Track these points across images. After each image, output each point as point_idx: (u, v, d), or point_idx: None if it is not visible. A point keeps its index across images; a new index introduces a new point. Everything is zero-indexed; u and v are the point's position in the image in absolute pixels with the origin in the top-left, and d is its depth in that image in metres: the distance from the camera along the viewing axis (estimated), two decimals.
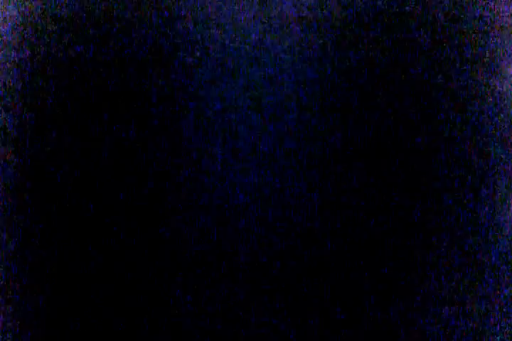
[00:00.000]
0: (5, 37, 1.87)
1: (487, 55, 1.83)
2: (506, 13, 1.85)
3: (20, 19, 1.86)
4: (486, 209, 1.81)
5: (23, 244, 1.83)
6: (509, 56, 1.84)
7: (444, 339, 1.79)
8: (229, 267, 1.80)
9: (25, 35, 1.86)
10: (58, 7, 1.85)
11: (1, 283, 1.83)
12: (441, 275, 1.80)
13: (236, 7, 1.83)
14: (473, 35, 1.83)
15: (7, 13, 1.87)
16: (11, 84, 1.86)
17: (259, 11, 1.83)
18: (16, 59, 1.86)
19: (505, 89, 1.83)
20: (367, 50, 1.82)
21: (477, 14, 1.84)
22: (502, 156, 1.82)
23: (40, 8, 1.86)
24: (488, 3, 1.84)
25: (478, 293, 1.80)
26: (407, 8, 1.83)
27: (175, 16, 1.84)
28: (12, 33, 1.87)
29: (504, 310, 1.80)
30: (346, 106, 1.82)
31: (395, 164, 1.81)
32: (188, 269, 1.80)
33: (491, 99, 1.83)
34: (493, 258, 1.81)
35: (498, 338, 1.80)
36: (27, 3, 1.87)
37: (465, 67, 1.83)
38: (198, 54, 1.82)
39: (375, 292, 1.79)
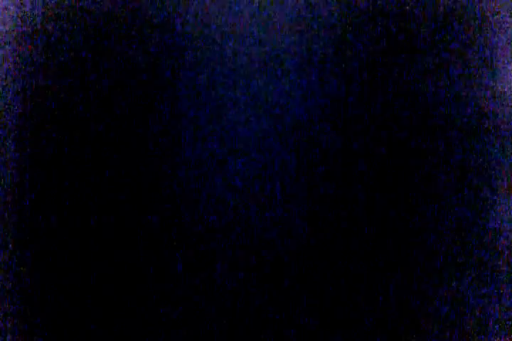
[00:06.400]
0: (5, 37, 1.87)
1: (487, 55, 1.84)
2: (506, 13, 1.85)
3: (20, 19, 1.86)
4: (486, 209, 1.81)
5: (23, 244, 1.83)
6: (509, 56, 1.84)
7: (444, 339, 1.79)
8: (228, 269, 1.80)
9: (25, 35, 1.86)
10: (58, 7, 1.85)
11: (1, 283, 1.83)
12: (441, 275, 1.80)
13: (236, 7, 1.83)
14: (473, 35, 1.83)
15: (7, 12, 1.87)
16: (11, 84, 1.86)
17: (259, 10, 1.83)
18: (16, 59, 1.86)
19: (505, 89, 1.83)
20: (367, 50, 1.82)
21: (477, 14, 1.84)
22: (502, 156, 1.83)
23: (40, 8, 1.86)
24: (488, 3, 1.84)
25: (478, 293, 1.80)
26: (407, 8, 1.83)
27: (175, 16, 1.84)
28: (12, 33, 1.87)
29: (504, 310, 1.80)
30: (346, 106, 1.82)
31: (394, 164, 1.81)
32: (187, 270, 1.80)
33: (491, 99, 1.83)
34: (493, 258, 1.81)
35: (498, 338, 1.80)
36: (27, 3, 1.87)
37: (465, 67, 1.83)
38: (198, 54, 1.82)
39: (374, 292, 1.79)
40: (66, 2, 1.86)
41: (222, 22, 1.83)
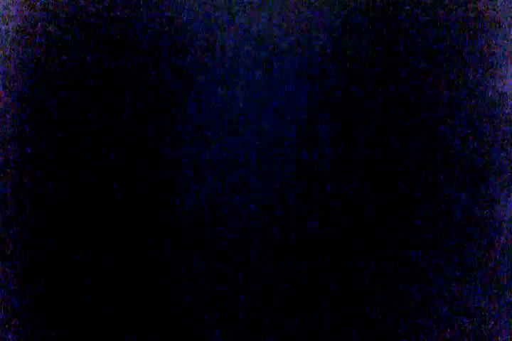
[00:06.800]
0: (5, 37, 1.87)
1: (487, 55, 1.83)
2: (506, 13, 1.85)
3: (20, 19, 1.86)
4: (486, 209, 1.81)
5: (23, 243, 1.83)
6: (509, 56, 1.84)
7: (444, 339, 1.79)
8: (227, 269, 1.80)
9: (25, 35, 1.86)
10: (58, 7, 1.85)
11: (1, 283, 1.83)
12: (441, 276, 1.80)
13: (236, 7, 1.83)
14: (473, 35, 1.83)
15: (7, 13, 1.87)
16: (11, 84, 1.86)
17: (260, 10, 1.83)
18: (16, 59, 1.86)
19: (505, 89, 1.83)
20: (367, 49, 1.82)
21: (477, 14, 1.84)
22: (502, 156, 1.83)
23: (40, 8, 1.86)
24: (488, 3, 1.84)
25: (478, 293, 1.80)
26: (407, 8, 1.83)
27: (175, 16, 1.84)
28: (12, 33, 1.87)
29: (504, 310, 1.80)
30: (347, 106, 1.82)
31: (394, 164, 1.81)
32: (186, 272, 1.80)
33: (491, 99, 1.83)
34: (493, 258, 1.81)
35: (498, 338, 1.80)
36: (27, 3, 1.87)
37: (465, 67, 1.83)
38: (198, 53, 1.82)
39: (374, 292, 1.79)
40: (66, 2, 1.86)
41: (222, 22, 1.83)
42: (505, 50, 1.84)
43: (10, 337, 1.82)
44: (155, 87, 1.83)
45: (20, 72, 1.86)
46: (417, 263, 1.79)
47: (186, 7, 1.84)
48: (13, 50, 1.86)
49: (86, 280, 1.81)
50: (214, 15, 1.83)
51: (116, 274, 1.80)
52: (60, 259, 1.82)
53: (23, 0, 1.87)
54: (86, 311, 1.81)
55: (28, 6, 1.86)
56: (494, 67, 1.84)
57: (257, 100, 1.82)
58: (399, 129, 1.81)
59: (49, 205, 1.83)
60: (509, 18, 1.85)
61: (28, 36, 1.86)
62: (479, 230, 1.81)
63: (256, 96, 1.82)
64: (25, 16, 1.86)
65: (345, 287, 1.79)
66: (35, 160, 1.84)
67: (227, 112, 1.82)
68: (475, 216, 1.81)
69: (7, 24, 1.87)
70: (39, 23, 1.86)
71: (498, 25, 1.84)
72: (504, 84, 1.83)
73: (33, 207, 1.83)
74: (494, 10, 1.84)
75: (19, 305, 1.82)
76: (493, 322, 1.80)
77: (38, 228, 1.83)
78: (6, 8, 1.87)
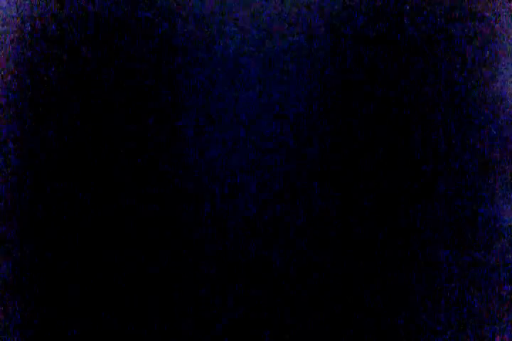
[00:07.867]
0: (5, 37, 1.87)
1: (487, 55, 1.83)
2: (506, 13, 1.85)
3: (20, 19, 1.86)
4: (486, 209, 1.81)
5: (22, 243, 1.83)
6: (509, 57, 1.84)
7: (444, 339, 1.79)
8: (227, 270, 1.80)
9: (25, 35, 1.86)
10: (58, 7, 1.85)
11: (1, 282, 1.83)
12: (441, 275, 1.80)
13: (236, 7, 1.83)
14: (474, 35, 1.83)
15: (7, 13, 1.87)
16: (11, 84, 1.86)
17: (259, 11, 1.83)
18: (16, 59, 1.86)
19: (505, 91, 1.83)
20: (367, 49, 1.82)
21: (477, 14, 1.84)
22: (502, 156, 1.83)
23: (40, 8, 1.86)
24: (488, 3, 1.84)
25: (478, 293, 1.80)
26: (407, 7, 1.83)
27: (175, 16, 1.84)
28: (12, 33, 1.87)
29: (504, 309, 1.80)
30: (347, 106, 1.82)
31: (394, 164, 1.81)
32: (187, 273, 1.80)
33: (491, 101, 1.83)
34: (493, 258, 1.81)
35: (498, 338, 1.80)
36: (27, 3, 1.87)
37: (465, 68, 1.83)
38: (197, 54, 1.82)
39: (373, 292, 1.79)
40: (66, 2, 1.86)
41: (222, 22, 1.83)
42: (505, 50, 1.84)
43: (10, 337, 1.83)
44: (155, 86, 1.83)
45: (20, 72, 1.86)
46: (416, 263, 1.79)
47: (186, 7, 1.84)
48: (13, 50, 1.86)
49: (86, 280, 1.81)
50: (214, 15, 1.83)
51: (115, 274, 1.80)
52: (61, 259, 1.82)
53: (23, 0, 1.87)
54: (86, 311, 1.81)
55: (28, 6, 1.86)
56: (494, 67, 1.84)
57: (257, 100, 1.82)
58: (399, 130, 1.81)
59: (49, 205, 1.83)
60: (509, 18, 1.85)
61: (28, 36, 1.86)
62: (479, 230, 1.81)
63: (256, 96, 1.82)
64: (25, 16, 1.86)
65: (344, 287, 1.79)
66: (35, 160, 1.84)
67: (226, 112, 1.82)
68: (475, 216, 1.81)
69: (7, 24, 1.87)
70: (39, 23, 1.86)
71: (498, 25, 1.84)
72: (504, 84, 1.83)
73: (33, 206, 1.83)
74: (494, 10, 1.84)
75: (19, 305, 1.82)
76: (493, 322, 1.80)
77: (37, 228, 1.83)
78: (5, 8, 1.87)
